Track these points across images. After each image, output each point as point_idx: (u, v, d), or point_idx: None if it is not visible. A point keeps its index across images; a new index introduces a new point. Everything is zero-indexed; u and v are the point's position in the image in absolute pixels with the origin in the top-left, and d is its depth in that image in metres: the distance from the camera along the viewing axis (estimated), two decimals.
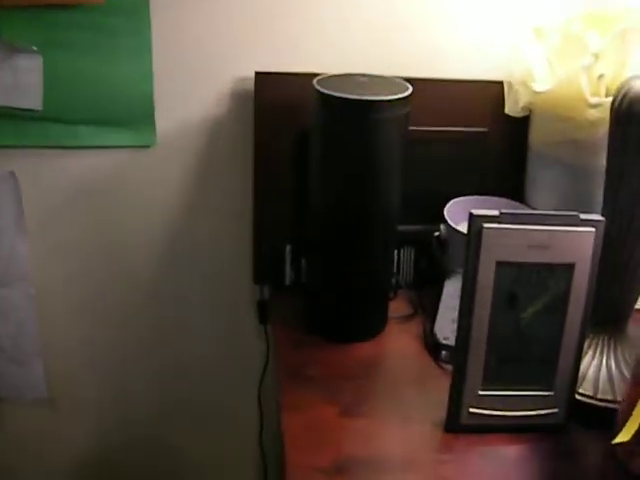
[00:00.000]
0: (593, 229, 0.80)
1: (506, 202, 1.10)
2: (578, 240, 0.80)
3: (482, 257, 0.80)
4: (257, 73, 1.05)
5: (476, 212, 0.79)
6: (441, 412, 0.87)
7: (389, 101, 0.89)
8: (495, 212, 0.79)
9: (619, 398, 0.87)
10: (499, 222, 0.79)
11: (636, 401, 0.79)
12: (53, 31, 1.01)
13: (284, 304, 1.11)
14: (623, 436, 0.76)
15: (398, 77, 0.98)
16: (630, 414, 0.80)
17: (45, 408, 1.26)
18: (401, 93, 0.90)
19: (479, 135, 1.11)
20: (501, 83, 1.07)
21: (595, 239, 0.80)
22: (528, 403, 0.86)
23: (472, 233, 0.79)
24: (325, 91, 0.90)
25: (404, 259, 1.14)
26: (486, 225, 0.79)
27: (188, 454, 1.36)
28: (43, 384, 1.22)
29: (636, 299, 0.91)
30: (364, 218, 0.96)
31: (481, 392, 0.85)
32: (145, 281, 1.21)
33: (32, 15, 1.00)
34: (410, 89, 0.92)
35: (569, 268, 0.81)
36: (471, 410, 0.85)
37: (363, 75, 0.97)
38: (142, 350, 1.26)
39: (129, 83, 1.06)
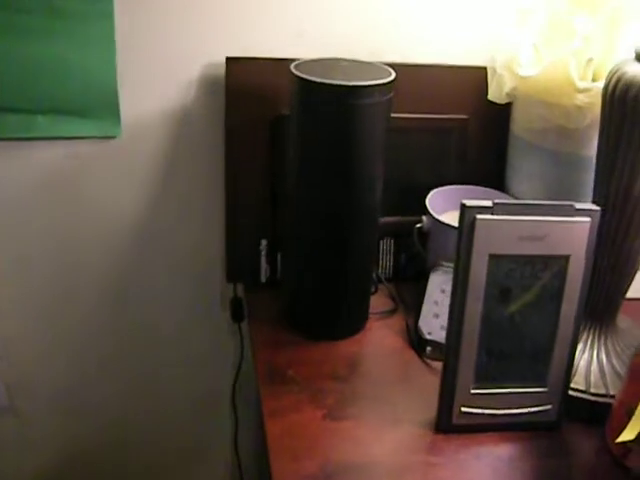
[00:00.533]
0: (588, 219, 0.77)
1: (489, 192, 1.07)
2: (573, 231, 0.77)
3: (475, 250, 0.76)
4: (228, 58, 1.00)
5: (468, 203, 0.75)
6: (430, 412, 0.84)
7: (373, 86, 0.84)
8: (488, 203, 0.76)
9: (611, 392, 0.85)
10: (492, 213, 0.75)
11: (634, 396, 0.77)
12: (8, 14, 0.94)
13: (260, 302, 1.06)
14: (627, 434, 0.73)
15: (377, 62, 0.94)
16: (625, 409, 0.78)
17: (6, 416, 1.20)
18: (384, 78, 0.86)
19: (460, 122, 1.07)
20: (481, 68, 1.04)
21: (590, 229, 0.77)
22: (521, 400, 0.83)
23: (464, 225, 0.76)
24: (304, 76, 0.85)
25: (383, 252, 1.10)
26: (479, 216, 0.75)
27: (158, 459, 1.31)
28: (3, 391, 1.16)
29: (626, 290, 0.89)
30: (345, 210, 0.92)
31: (473, 390, 0.82)
32: (110, 279, 1.15)
33: None
34: (393, 74, 0.87)
35: (564, 260, 0.78)
36: (463, 409, 0.82)
37: (344, 60, 0.92)
38: (108, 353, 1.20)
39: (91, 70, 0.99)
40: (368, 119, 0.86)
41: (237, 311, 1.15)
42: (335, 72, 0.86)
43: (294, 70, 0.87)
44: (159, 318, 1.19)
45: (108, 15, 0.97)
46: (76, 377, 1.21)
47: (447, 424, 0.83)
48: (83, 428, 1.26)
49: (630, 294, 0.89)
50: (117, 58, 1.00)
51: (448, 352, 0.80)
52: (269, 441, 0.81)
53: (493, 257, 0.77)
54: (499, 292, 0.79)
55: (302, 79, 0.85)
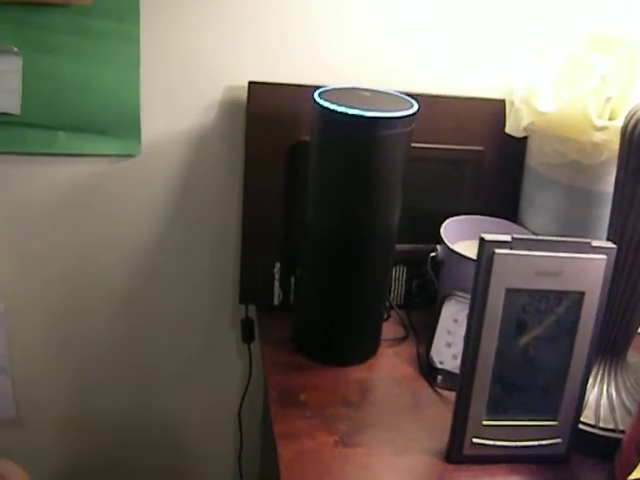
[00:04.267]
0: (604, 257, 0.78)
1: (503, 223, 1.08)
2: (589, 267, 0.78)
3: (492, 283, 0.77)
4: (250, 83, 1.01)
5: (487, 237, 0.76)
6: (441, 441, 0.85)
7: (395, 118, 0.85)
8: (507, 237, 0.76)
9: (621, 427, 0.85)
10: (511, 248, 0.76)
11: None
12: (35, 32, 0.96)
13: (272, 324, 1.07)
14: (639, 473, 0.73)
15: (397, 92, 0.96)
16: (635, 445, 0.78)
17: (13, 428, 1.20)
18: (406, 110, 0.87)
19: (476, 154, 1.08)
20: (499, 101, 1.05)
21: (606, 267, 0.78)
22: (532, 433, 0.84)
23: (483, 258, 0.76)
24: (328, 105, 0.86)
25: (396, 278, 1.11)
26: (498, 251, 0.76)
27: (163, 474, 1.31)
28: (11, 403, 1.16)
29: (638, 327, 0.89)
30: (361, 237, 0.93)
31: (485, 422, 0.82)
32: (124, 297, 1.16)
33: (13, 14, 0.94)
34: (415, 106, 0.89)
35: (579, 296, 0.79)
36: (474, 440, 0.83)
37: (365, 90, 0.94)
38: (116, 368, 1.21)
39: (114, 89, 1.01)
40: (389, 150, 0.88)
41: (247, 332, 1.16)
42: (357, 102, 0.87)
43: (317, 98, 0.88)
44: (170, 335, 1.20)
45: (134, 36, 0.99)
46: (84, 391, 1.22)
47: (458, 454, 0.83)
48: (89, 441, 1.26)
49: None
50: (141, 79, 1.01)
51: (462, 383, 0.81)
52: (281, 466, 0.81)
53: (510, 291, 0.77)
54: (514, 325, 0.80)
55: (325, 108, 0.86)
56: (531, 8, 1.05)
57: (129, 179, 1.07)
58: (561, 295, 0.79)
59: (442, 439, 0.84)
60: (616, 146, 0.84)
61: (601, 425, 0.86)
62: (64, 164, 1.05)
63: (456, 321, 0.97)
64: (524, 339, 0.80)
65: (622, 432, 0.84)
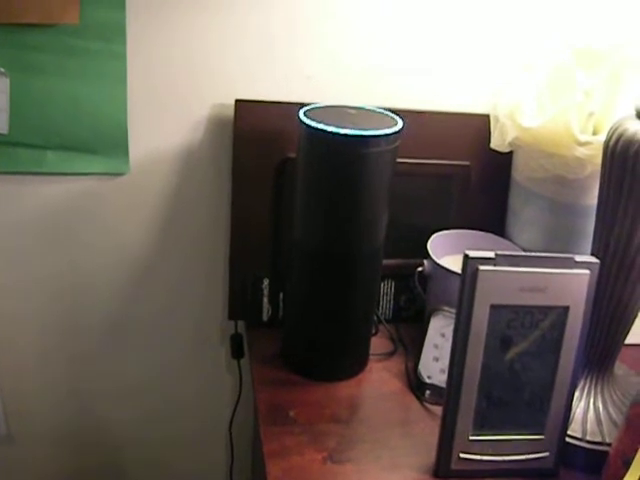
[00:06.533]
0: (588, 271, 0.79)
1: (490, 237, 1.09)
2: (573, 283, 0.79)
3: (477, 300, 0.77)
4: (237, 100, 1.02)
5: (471, 254, 0.77)
6: (428, 456, 0.85)
7: (380, 136, 0.86)
8: (490, 254, 0.77)
9: (608, 440, 0.86)
10: (494, 264, 0.77)
11: (631, 446, 0.77)
12: (22, 52, 0.96)
13: (261, 341, 1.07)
14: None
15: (380, 108, 0.96)
16: (622, 459, 0.79)
17: (3, 444, 1.20)
18: (391, 127, 0.88)
19: (462, 169, 1.09)
20: (484, 116, 1.05)
21: (590, 281, 0.79)
22: (519, 447, 0.84)
23: (467, 275, 0.77)
24: (312, 123, 0.86)
25: (384, 293, 1.11)
26: (482, 267, 0.77)
27: None
28: (1, 420, 1.16)
29: (624, 339, 0.90)
30: (348, 253, 0.93)
31: (472, 437, 0.83)
32: (113, 312, 1.16)
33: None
34: (400, 124, 0.89)
35: (564, 311, 0.79)
36: (461, 455, 0.83)
37: (351, 107, 0.94)
38: (106, 384, 1.21)
39: (102, 108, 1.01)
40: (374, 167, 0.88)
41: (237, 347, 1.16)
42: (343, 120, 0.88)
43: (302, 117, 0.88)
44: (159, 352, 1.20)
45: (120, 55, 0.99)
46: (74, 407, 1.22)
47: (446, 470, 0.84)
48: (81, 457, 1.26)
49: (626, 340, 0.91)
50: (127, 97, 1.01)
51: (448, 399, 0.81)
52: None
53: (494, 307, 0.78)
54: (499, 341, 0.80)
55: (310, 126, 0.87)
56: (516, 23, 1.06)
57: (118, 197, 1.07)
58: (546, 310, 0.80)
59: (430, 454, 0.85)
60: (599, 161, 0.85)
61: (588, 438, 0.87)
62: (53, 183, 1.05)
63: (443, 335, 0.97)
64: (509, 354, 0.81)
65: (609, 445, 0.84)
